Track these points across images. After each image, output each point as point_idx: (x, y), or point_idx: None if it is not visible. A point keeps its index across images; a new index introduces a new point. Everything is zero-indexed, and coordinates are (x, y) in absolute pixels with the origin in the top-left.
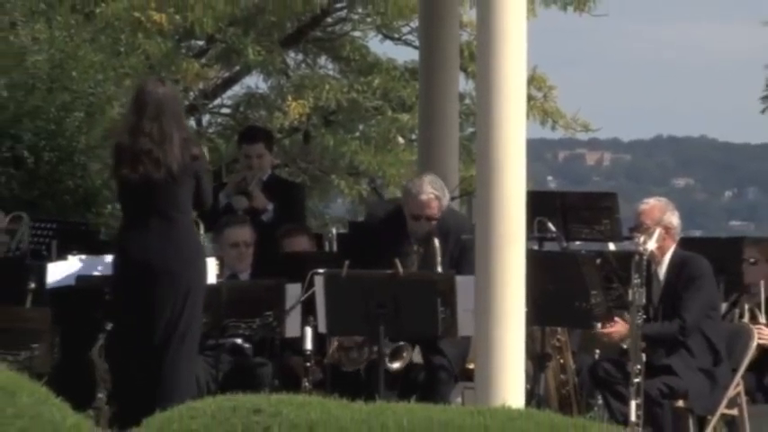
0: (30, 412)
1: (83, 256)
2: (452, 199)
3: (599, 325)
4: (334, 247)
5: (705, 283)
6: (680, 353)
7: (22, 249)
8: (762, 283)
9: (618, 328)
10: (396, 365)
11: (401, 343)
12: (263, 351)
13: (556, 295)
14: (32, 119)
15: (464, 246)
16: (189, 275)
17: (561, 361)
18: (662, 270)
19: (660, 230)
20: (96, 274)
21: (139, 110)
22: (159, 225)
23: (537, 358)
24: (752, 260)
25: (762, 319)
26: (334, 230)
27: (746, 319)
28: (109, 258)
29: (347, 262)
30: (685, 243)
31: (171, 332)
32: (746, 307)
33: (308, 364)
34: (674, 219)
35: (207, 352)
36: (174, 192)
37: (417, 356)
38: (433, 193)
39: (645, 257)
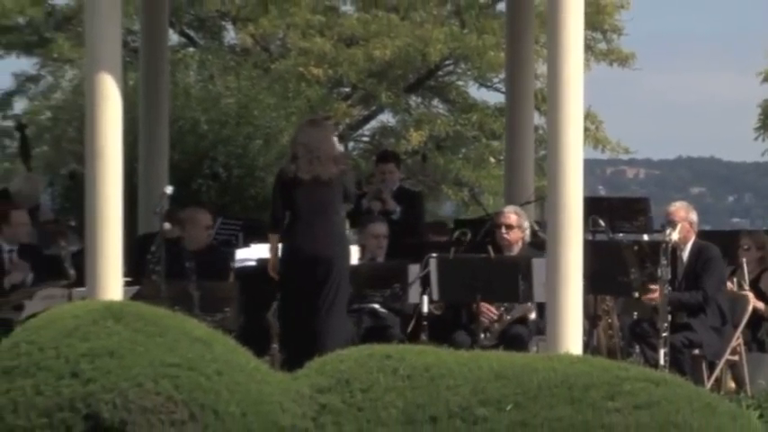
0: (222, 358)
1: (261, 245)
2: (528, 203)
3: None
4: None
5: (718, 264)
6: (698, 315)
7: (217, 239)
8: (744, 261)
9: (655, 295)
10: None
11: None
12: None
13: (604, 272)
14: (225, 145)
15: None
16: (342, 259)
17: (609, 321)
18: (685, 254)
19: (682, 224)
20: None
21: (308, 136)
22: (321, 221)
23: (591, 318)
24: (745, 247)
25: (746, 287)
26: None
27: (735, 288)
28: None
29: (453, 249)
30: (700, 234)
31: (328, 300)
32: (734, 280)
33: (425, 323)
34: (694, 216)
35: (351, 314)
36: (330, 196)
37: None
38: (514, 210)
39: (670, 245)
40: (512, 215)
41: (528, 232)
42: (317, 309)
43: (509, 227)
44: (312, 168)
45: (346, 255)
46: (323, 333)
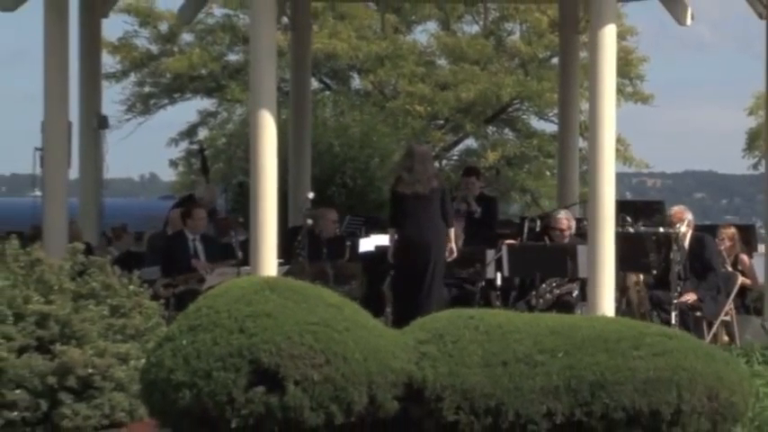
0: (350, 318)
1: (379, 235)
2: (574, 204)
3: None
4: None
5: (714, 248)
6: (702, 287)
7: (344, 232)
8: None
9: (688, 296)
10: (575, 293)
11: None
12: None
13: (630, 255)
14: (352, 162)
15: None
16: (438, 245)
17: (638, 289)
18: (686, 243)
19: (687, 220)
20: (386, 244)
21: (411, 157)
22: (423, 217)
23: (620, 289)
24: (720, 238)
25: (729, 267)
26: None
27: None
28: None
29: (519, 238)
30: (700, 228)
31: (428, 275)
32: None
33: (498, 292)
34: (689, 215)
35: (444, 286)
36: (430, 200)
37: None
38: (566, 216)
39: (680, 235)
40: (563, 219)
41: (572, 231)
42: (421, 281)
43: (561, 230)
44: (418, 179)
45: (442, 242)
46: (425, 300)
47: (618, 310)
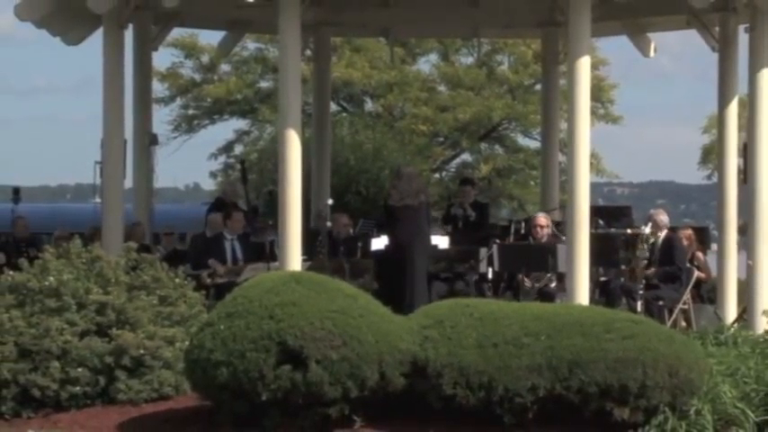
0: (364, 307)
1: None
2: (554, 209)
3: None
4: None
5: (681, 247)
6: (672, 281)
7: (358, 232)
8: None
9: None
10: (553, 284)
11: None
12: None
13: (602, 252)
14: (365, 173)
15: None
16: (421, 246)
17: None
18: (659, 241)
19: (651, 223)
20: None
21: (399, 178)
22: (412, 226)
23: (594, 282)
24: (680, 237)
25: (686, 263)
26: None
27: None
28: None
29: (510, 238)
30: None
31: (413, 271)
32: None
33: (489, 284)
34: (664, 217)
35: (441, 280)
36: (416, 213)
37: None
38: (544, 216)
39: (644, 235)
40: (541, 218)
41: (549, 229)
42: (406, 276)
43: (541, 227)
44: (406, 194)
45: (426, 244)
46: (412, 289)
47: (592, 300)
